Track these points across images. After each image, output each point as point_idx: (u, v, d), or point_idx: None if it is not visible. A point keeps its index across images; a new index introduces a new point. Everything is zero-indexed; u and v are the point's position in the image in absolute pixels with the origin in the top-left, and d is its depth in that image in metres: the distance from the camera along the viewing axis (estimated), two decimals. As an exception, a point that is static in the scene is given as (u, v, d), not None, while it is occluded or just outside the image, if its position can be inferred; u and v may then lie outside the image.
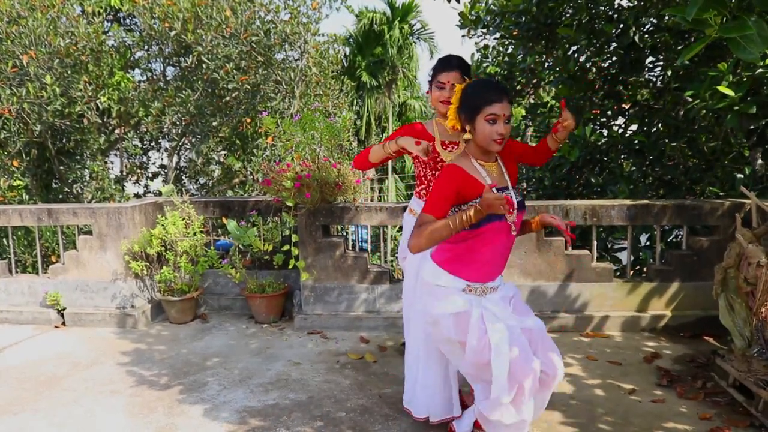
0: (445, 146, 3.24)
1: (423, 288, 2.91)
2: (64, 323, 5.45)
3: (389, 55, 25.32)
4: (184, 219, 5.52)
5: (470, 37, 7.69)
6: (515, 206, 2.73)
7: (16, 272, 5.92)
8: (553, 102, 7.38)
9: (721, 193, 5.81)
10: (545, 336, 2.84)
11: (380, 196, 23.82)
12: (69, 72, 7.79)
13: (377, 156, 3.36)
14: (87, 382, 4.13)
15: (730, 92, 4.39)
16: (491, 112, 2.60)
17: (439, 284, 2.79)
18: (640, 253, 6.15)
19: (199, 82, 8.43)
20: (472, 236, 2.69)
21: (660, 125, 6.45)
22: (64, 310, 5.46)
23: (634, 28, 6.00)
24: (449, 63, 3.19)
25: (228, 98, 8.48)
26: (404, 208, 5.19)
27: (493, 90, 2.65)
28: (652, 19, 6.11)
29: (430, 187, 3.15)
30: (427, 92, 3.32)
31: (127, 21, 10.70)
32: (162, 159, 11.80)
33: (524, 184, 7.67)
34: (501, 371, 2.64)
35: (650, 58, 6.38)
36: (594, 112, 6.71)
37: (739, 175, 5.63)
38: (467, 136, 2.72)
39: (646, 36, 6.09)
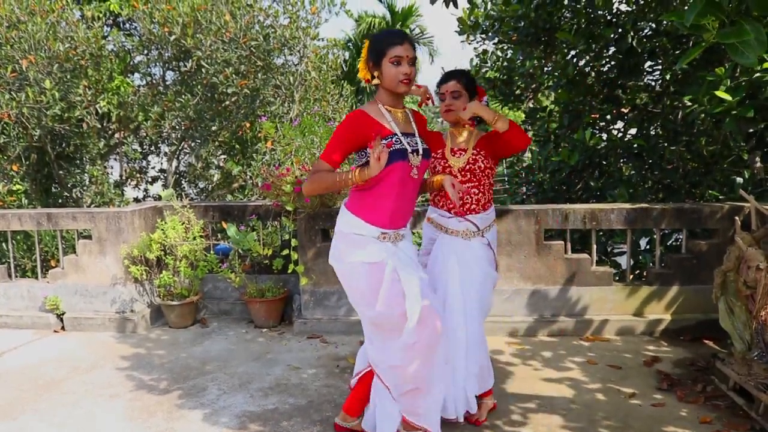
0: (453, 153, 3.37)
1: (337, 238, 3.02)
2: (63, 328, 5.44)
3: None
4: (183, 223, 5.52)
5: (469, 43, 7.71)
6: (419, 152, 2.92)
7: (16, 277, 5.92)
8: (553, 106, 7.39)
9: (720, 197, 5.81)
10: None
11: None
12: (68, 77, 7.80)
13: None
14: (86, 386, 4.13)
15: (727, 97, 4.40)
16: (395, 54, 2.77)
17: (356, 232, 2.90)
18: (640, 257, 6.15)
19: (199, 87, 8.44)
20: (377, 180, 2.80)
21: (659, 129, 6.46)
22: (63, 314, 5.46)
23: (632, 33, 6.02)
24: (446, 75, 3.42)
25: (227, 103, 8.48)
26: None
27: (396, 34, 2.85)
28: (650, 23, 6.13)
29: (442, 194, 3.36)
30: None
31: (127, 26, 10.71)
32: (161, 163, 11.79)
33: (523, 188, 7.68)
34: (413, 317, 2.79)
35: (649, 63, 6.40)
36: (593, 116, 6.73)
37: (739, 179, 5.64)
38: (375, 81, 2.88)
39: (645, 40, 6.11)
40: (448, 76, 3.38)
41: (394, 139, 2.83)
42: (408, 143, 2.87)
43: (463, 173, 3.31)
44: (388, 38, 2.82)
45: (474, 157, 3.31)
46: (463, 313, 3.33)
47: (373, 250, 2.86)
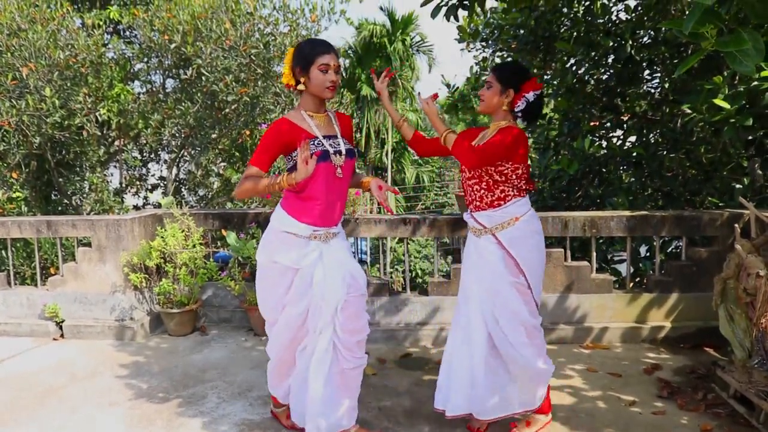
0: None
1: (270, 233, 3.14)
2: (62, 335, 5.43)
3: (396, 69, 25.37)
4: (183, 231, 5.51)
5: (469, 51, 7.74)
6: (342, 153, 3.06)
7: (15, 284, 5.91)
8: (552, 114, 7.41)
9: (720, 204, 5.82)
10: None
11: (379, 209, 23.83)
12: (68, 84, 7.81)
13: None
14: (85, 394, 4.12)
15: (726, 105, 4.41)
16: (323, 62, 2.92)
17: (288, 231, 3.04)
18: (640, 265, 6.15)
19: (199, 95, 8.46)
20: (305, 182, 2.93)
21: (658, 137, 6.48)
22: (62, 322, 5.45)
23: (631, 41, 6.05)
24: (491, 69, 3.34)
25: (227, 110, 8.50)
26: (403, 220, 5.22)
27: (323, 44, 2.99)
28: (649, 32, 6.16)
29: (468, 193, 3.34)
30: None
31: (127, 33, 10.75)
32: (161, 171, 11.81)
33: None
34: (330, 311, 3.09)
35: (647, 71, 6.42)
36: (593, 124, 6.74)
37: (738, 186, 5.65)
38: (301, 87, 3.01)
39: (644, 49, 6.14)
40: (491, 69, 3.34)
41: (315, 142, 2.99)
42: (330, 145, 3.02)
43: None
44: (317, 47, 2.96)
45: None
46: (480, 313, 3.29)
47: (299, 255, 3.05)
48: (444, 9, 4.09)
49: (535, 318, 3.28)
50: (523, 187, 3.25)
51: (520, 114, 3.26)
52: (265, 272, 3.19)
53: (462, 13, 4.16)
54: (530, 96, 3.20)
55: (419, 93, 3.44)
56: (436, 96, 3.31)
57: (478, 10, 4.07)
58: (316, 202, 3.02)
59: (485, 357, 3.27)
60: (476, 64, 8.10)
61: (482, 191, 3.24)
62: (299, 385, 3.28)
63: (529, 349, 3.23)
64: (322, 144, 2.99)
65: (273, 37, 8.13)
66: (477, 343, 3.29)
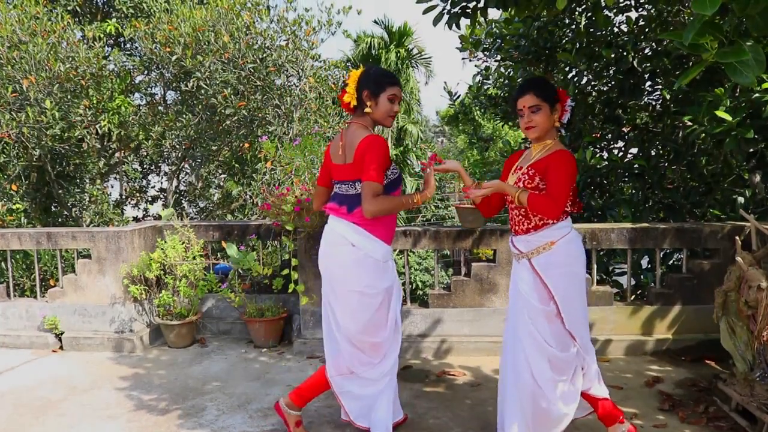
0: (515, 170, 3.25)
1: (366, 263, 3.17)
2: (62, 347, 5.41)
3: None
4: (183, 243, 5.51)
5: (470, 60, 7.76)
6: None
7: (15, 296, 5.90)
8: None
9: (721, 216, 5.81)
10: None
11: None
12: (69, 96, 7.83)
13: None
14: (84, 407, 4.10)
15: (728, 117, 4.42)
16: (393, 93, 3.13)
17: (376, 257, 3.16)
18: (641, 277, 6.13)
19: (199, 107, 8.47)
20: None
21: (660, 148, 6.48)
22: (62, 334, 5.43)
23: (632, 53, 6.06)
24: (521, 87, 3.15)
25: (228, 122, 8.51)
26: (404, 232, 5.21)
27: (393, 75, 3.20)
28: (650, 43, 6.17)
29: (510, 217, 3.24)
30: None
31: (128, 46, 10.79)
32: (161, 182, 11.82)
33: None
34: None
35: (649, 83, 6.42)
36: (594, 135, 6.74)
37: (740, 198, 5.64)
38: (368, 110, 3.12)
39: (645, 60, 6.14)
40: (523, 89, 3.12)
41: (393, 166, 3.16)
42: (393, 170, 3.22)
43: None
44: (390, 77, 3.16)
45: (521, 176, 3.11)
46: (513, 337, 3.18)
47: (389, 273, 3.26)
48: (446, 17, 4.10)
49: (565, 351, 3.08)
50: (567, 210, 3.12)
51: (564, 125, 3.16)
52: (375, 301, 3.23)
53: (464, 22, 4.16)
54: (570, 103, 3.12)
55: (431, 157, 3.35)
56: (434, 157, 3.30)
57: (481, 19, 4.07)
58: (394, 221, 3.29)
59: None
60: (479, 73, 8.12)
61: (520, 217, 3.12)
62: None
63: (550, 385, 3.05)
64: (398, 171, 3.21)
65: (270, 51, 8.15)
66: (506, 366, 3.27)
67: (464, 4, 3.98)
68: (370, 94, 3.11)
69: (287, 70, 8.35)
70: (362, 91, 3.12)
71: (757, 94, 4.44)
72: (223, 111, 8.08)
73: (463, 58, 7.89)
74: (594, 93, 6.79)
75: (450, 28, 4.15)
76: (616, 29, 6.38)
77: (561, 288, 3.02)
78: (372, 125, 3.20)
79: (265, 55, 8.05)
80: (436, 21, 4.10)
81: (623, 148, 6.90)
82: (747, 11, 2.06)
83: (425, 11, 4.11)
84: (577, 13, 6.21)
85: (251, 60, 7.85)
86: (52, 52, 7.58)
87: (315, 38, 8.52)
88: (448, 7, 4.07)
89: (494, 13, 7.52)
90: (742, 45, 2.04)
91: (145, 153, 10.33)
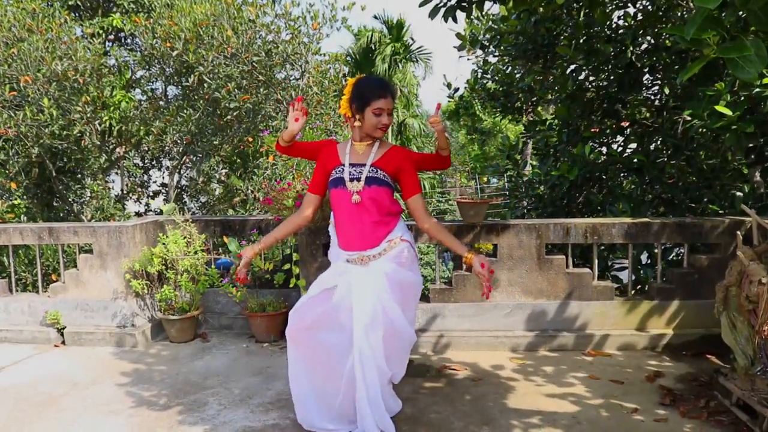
0: None
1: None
2: (63, 342, 5.43)
3: (384, 72, 25.37)
4: (185, 237, 5.52)
5: (468, 58, 7.75)
6: (361, 180, 3.17)
7: (17, 291, 5.92)
8: (552, 119, 7.41)
9: (720, 211, 5.81)
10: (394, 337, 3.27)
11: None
12: (67, 94, 7.81)
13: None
14: (86, 402, 4.11)
15: (728, 112, 4.41)
16: (378, 106, 3.10)
17: (331, 258, 3.39)
18: (641, 272, 6.14)
19: (201, 102, 8.47)
20: (332, 205, 3.28)
21: (659, 144, 6.47)
22: (64, 329, 5.44)
23: (631, 48, 6.05)
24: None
25: (229, 117, 8.52)
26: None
27: (380, 86, 3.15)
28: (649, 38, 6.16)
29: None
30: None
31: (128, 41, 10.78)
32: (163, 178, 11.84)
33: (524, 202, 7.68)
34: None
35: (648, 77, 6.42)
36: (593, 130, 6.74)
37: (739, 193, 5.64)
38: (357, 123, 3.18)
39: (644, 55, 6.14)
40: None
41: (337, 169, 3.23)
42: (350, 172, 3.19)
43: None
44: (375, 90, 3.13)
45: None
46: None
47: (329, 277, 3.36)
48: (442, 10, 4.10)
49: None
50: None
51: None
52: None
53: (461, 16, 4.16)
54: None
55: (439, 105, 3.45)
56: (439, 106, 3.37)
57: (477, 13, 4.07)
58: (342, 226, 3.27)
59: None
60: (479, 67, 8.11)
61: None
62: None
63: None
64: (342, 171, 3.19)
65: (275, 45, 8.15)
66: None
67: (460, -3, 3.98)
68: (356, 109, 3.15)
69: (291, 64, 8.36)
70: (351, 104, 3.18)
71: (757, 89, 4.44)
72: (227, 105, 8.09)
73: (460, 56, 7.89)
74: (593, 88, 6.79)
75: (446, 21, 4.15)
76: (614, 24, 6.37)
77: None
78: (361, 135, 3.25)
79: (269, 47, 8.05)
80: (433, 14, 4.10)
81: (622, 143, 6.90)
82: (749, 6, 2.06)
83: (421, 4, 4.11)
84: (575, 8, 6.20)
85: (255, 53, 7.85)
86: (49, 50, 7.56)
87: (319, 33, 8.53)
88: (444, 0, 4.07)
89: (493, 8, 7.51)
90: (743, 40, 2.04)
91: (146, 148, 10.34)
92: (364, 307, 3.14)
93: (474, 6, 4.02)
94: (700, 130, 4.97)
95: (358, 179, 3.16)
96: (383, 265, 3.22)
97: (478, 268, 3.12)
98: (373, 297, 3.15)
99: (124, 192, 11.44)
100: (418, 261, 3.43)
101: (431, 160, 3.65)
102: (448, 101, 9.84)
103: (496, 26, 7.12)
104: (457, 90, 8.98)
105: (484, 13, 7.14)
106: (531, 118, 8.10)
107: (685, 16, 5.64)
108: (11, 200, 8.38)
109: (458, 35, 7.42)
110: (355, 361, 3.16)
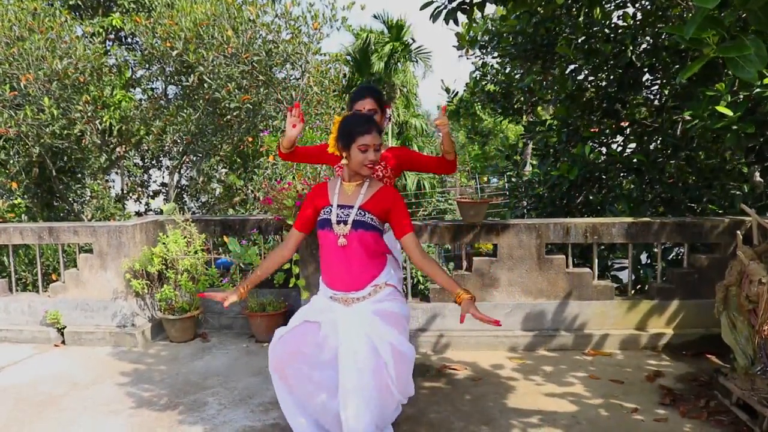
0: None
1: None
2: (63, 342, 5.43)
3: (384, 72, 25.34)
4: (185, 237, 5.52)
5: (468, 58, 7.76)
6: (348, 223, 3.03)
7: (17, 291, 5.92)
8: (552, 120, 7.42)
9: (720, 211, 5.81)
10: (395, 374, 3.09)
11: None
12: (68, 94, 7.81)
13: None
14: (86, 402, 4.11)
15: (728, 112, 4.41)
16: (363, 143, 2.98)
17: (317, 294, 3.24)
18: (641, 272, 6.14)
19: (201, 101, 8.47)
20: (319, 244, 3.15)
21: (658, 143, 6.47)
22: (64, 328, 5.44)
23: (631, 48, 6.05)
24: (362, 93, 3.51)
25: (229, 117, 8.52)
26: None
27: (364, 123, 3.04)
28: (648, 38, 6.16)
29: None
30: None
31: (129, 40, 10.79)
32: (163, 177, 11.84)
33: (524, 202, 7.68)
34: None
35: (648, 77, 6.41)
36: (593, 130, 6.74)
37: (738, 193, 5.64)
38: (344, 161, 3.09)
39: (644, 55, 6.14)
40: (364, 93, 3.56)
41: (325, 210, 3.12)
42: (338, 214, 3.07)
43: None
44: (358, 126, 3.02)
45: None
46: None
47: (313, 310, 3.19)
48: (443, 13, 4.10)
49: None
50: None
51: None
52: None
53: (461, 18, 4.16)
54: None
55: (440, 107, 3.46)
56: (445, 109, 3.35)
57: (478, 14, 4.07)
58: (327, 266, 3.15)
59: None
60: (477, 69, 8.12)
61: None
62: None
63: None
64: (329, 212, 3.10)
65: (275, 45, 8.16)
66: None
67: (461, -1, 3.99)
68: (342, 146, 3.07)
69: (291, 64, 8.36)
70: (338, 142, 3.11)
71: (757, 89, 4.43)
72: (227, 105, 8.09)
73: (459, 56, 7.90)
74: (592, 88, 6.79)
75: (447, 23, 4.15)
76: (614, 24, 6.37)
77: None
78: (350, 173, 3.15)
79: (269, 47, 8.06)
80: (434, 17, 4.10)
81: (622, 143, 6.90)
82: (748, 6, 2.06)
83: (423, 6, 4.11)
84: (574, 8, 6.20)
85: (255, 53, 7.85)
86: (50, 49, 7.56)
87: (319, 33, 8.53)
88: (446, 2, 4.07)
89: (492, 9, 7.51)
90: (743, 39, 2.04)
91: (146, 148, 10.34)
92: (353, 347, 3.01)
93: (475, 7, 4.03)
94: (699, 130, 4.97)
95: (345, 222, 3.05)
96: (367, 306, 3.12)
97: (464, 312, 3.08)
98: (360, 338, 3.03)
99: (124, 191, 11.44)
100: (404, 299, 3.32)
101: (436, 164, 3.66)
102: (447, 103, 9.85)
103: (493, 27, 7.13)
104: (456, 93, 8.98)
105: (483, 14, 7.15)
106: (530, 119, 8.10)
107: (685, 15, 5.64)
108: (12, 200, 8.37)
109: (458, 35, 7.42)
110: (341, 405, 3.00)
